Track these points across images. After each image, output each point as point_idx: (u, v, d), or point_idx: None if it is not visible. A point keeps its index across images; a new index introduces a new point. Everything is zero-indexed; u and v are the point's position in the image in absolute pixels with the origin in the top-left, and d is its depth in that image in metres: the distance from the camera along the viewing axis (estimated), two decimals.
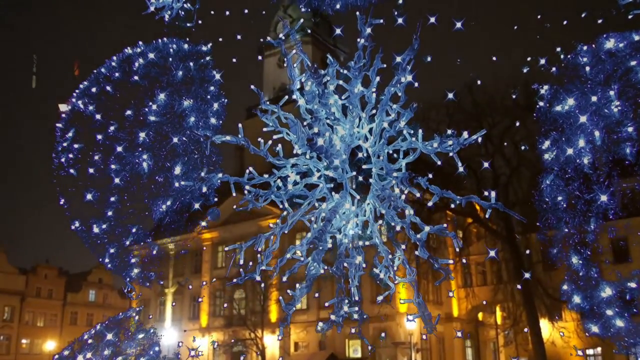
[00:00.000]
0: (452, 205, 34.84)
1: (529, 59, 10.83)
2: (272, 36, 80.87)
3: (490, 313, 48.81)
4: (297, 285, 10.01)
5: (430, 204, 9.82)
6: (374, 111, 10.29)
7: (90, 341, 11.12)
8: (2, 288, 73.27)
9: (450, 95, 10.26)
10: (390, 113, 9.95)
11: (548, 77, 10.59)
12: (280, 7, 68.22)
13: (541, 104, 10.41)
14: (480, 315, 51.49)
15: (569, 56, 10.47)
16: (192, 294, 61.69)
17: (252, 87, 10.40)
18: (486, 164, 10.41)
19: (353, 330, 10.05)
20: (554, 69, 10.54)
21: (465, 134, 9.17)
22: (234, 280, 10.68)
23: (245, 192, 10.45)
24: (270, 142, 10.21)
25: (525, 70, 10.89)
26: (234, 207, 10.87)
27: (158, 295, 62.45)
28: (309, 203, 10.31)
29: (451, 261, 9.71)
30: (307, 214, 10.41)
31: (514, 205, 34.04)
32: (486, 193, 9.82)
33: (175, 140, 10.85)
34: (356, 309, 9.46)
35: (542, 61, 10.69)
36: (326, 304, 9.75)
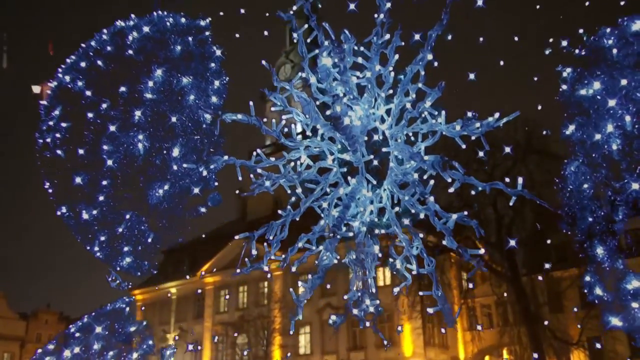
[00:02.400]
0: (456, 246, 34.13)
1: (550, 40, 10.32)
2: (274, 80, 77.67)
3: (497, 356, 47.88)
4: (309, 276, 9.35)
5: (451, 190, 9.26)
6: (390, 91, 9.70)
7: (77, 335, 10.26)
8: (1, 334, 69.41)
9: (472, 76, 9.65)
10: (411, 93, 9.37)
11: (571, 60, 10.13)
12: (283, 54, 66.06)
13: (564, 87, 9.94)
14: (486, 359, 50.47)
15: (592, 38, 10.03)
16: (194, 339, 59.60)
17: (264, 62, 9.67)
18: (508, 149, 9.83)
19: (367, 324, 9.42)
20: (577, 50, 10.08)
21: (496, 115, 8.63)
22: (237, 270, 9.93)
23: (252, 178, 9.76)
24: (283, 121, 9.52)
25: (547, 52, 10.37)
26: (236, 191, 10.14)
27: (159, 340, 59.93)
28: (322, 188, 9.66)
29: (482, 251, 9.21)
30: (318, 200, 9.76)
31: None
32: (507, 180, 9.34)
33: (173, 119, 10.06)
34: (377, 302, 8.82)
35: (564, 43, 10.21)
36: (345, 297, 9.08)
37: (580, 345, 34.65)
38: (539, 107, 9.94)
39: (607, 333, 30.59)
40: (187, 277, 54.31)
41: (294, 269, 9.85)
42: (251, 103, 9.35)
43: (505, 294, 35.87)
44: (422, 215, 9.05)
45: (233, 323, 51.78)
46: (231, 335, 52.68)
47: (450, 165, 8.50)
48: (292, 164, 9.67)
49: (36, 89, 11.80)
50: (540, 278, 30.25)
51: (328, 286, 9.80)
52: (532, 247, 32.76)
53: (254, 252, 9.57)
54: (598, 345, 28.23)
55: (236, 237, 9.77)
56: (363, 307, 8.53)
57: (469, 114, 9.16)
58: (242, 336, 52.60)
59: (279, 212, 9.83)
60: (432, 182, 8.96)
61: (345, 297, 8.96)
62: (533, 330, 32.19)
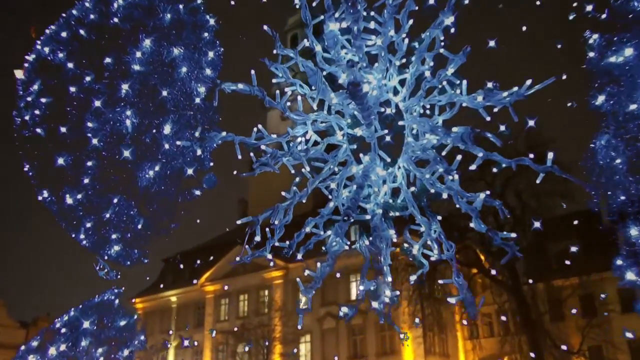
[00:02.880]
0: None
1: (574, 4, 9.49)
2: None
3: None
4: (318, 264, 8.49)
5: (473, 167, 8.47)
6: (403, 61, 8.84)
7: (63, 330, 9.35)
8: (1, 342, 66.45)
9: (492, 43, 8.78)
10: (427, 61, 8.51)
11: (597, 26, 9.31)
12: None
13: (592, 54, 9.12)
14: None
15: (620, 1, 9.22)
16: (194, 347, 58.43)
17: (265, 27, 8.75)
18: (532, 122, 8.92)
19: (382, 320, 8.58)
20: (604, 15, 9.26)
21: (528, 81, 7.79)
22: (237, 258, 9.08)
23: (252, 156, 8.88)
24: (288, 93, 8.64)
25: (571, 17, 9.55)
26: (235, 172, 9.25)
27: (159, 349, 58.69)
28: (330, 167, 8.79)
29: (514, 234, 8.49)
30: (326, 180, 8.91)
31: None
32: (531, 155, 8.54)
33: (164, 93, 9.14)
34: (397, 293, 8.00)
35: (589, 8, 9.40)
36: (361, 287, 8.24)
37: (581, 354, 34.33)
38: (564, 77, 9.07)
39: (608, 342, 30.24)
40: (190, 277, 53.68)
41: (299, 256, 8.99)
42: (253, 72, 8.45)
43: (506, 303, 35.49)
44: (445, 195, 8.21)
45: (234, 332, 50.86)
46: (231, 343, 51.83)
47: (483, 138, 7.65)
48: (298, 139, 8.79)
49: (19, 73, 10.83)
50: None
51: (336, 271, 8.82)
52: (533, 255, 32.43)
53: (258, 238, 8.68)
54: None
55: (238, 222, 8.89)
56: (381, 299, 7.63)
57: (490, 85, 8.33)
58: (242, 345, 51.69)
59: (283, 193, 8.97)
60: (459, 156, 8.06)
61: (361, 287, 8.11)
62: (534, 339, 31.78)
